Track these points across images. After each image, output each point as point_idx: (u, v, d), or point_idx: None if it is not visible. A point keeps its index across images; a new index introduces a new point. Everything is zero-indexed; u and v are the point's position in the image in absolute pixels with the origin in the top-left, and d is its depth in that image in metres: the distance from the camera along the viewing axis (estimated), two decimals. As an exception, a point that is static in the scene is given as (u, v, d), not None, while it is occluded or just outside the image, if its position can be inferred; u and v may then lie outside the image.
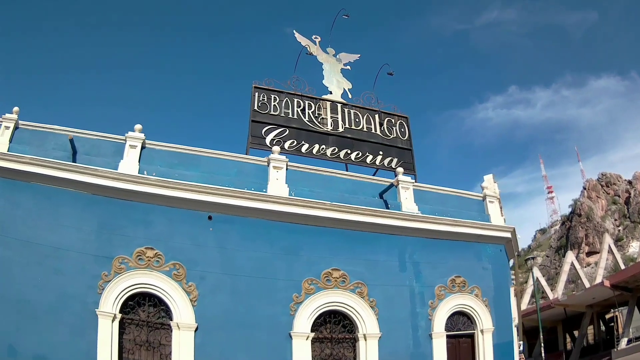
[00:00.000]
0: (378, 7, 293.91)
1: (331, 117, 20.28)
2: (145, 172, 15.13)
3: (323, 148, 19.47)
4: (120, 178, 14.63)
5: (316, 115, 20.02)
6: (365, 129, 20.70)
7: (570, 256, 72.31)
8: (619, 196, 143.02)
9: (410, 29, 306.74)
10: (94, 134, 15.76)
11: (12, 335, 12.81)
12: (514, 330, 19.98)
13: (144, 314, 14.19)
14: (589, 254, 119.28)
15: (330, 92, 21.04)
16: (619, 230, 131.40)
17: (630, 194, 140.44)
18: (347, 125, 20.40)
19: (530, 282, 70.44)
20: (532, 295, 70.13)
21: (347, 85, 21.63)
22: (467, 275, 18.25)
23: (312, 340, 15.27)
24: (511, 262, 26.29)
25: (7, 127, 14.92)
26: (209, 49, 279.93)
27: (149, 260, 14.23)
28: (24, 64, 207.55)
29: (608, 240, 72.82)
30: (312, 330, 15.25)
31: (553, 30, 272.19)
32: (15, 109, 15.20)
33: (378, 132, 20.93)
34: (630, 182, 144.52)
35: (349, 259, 16.35)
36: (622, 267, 65.09)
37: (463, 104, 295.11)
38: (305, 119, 19.71)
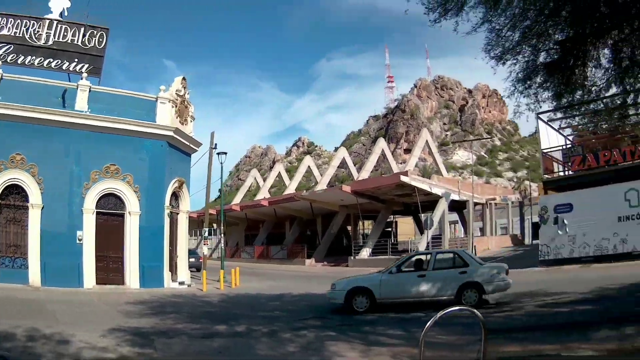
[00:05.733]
0: None
1: (46, 33, 29.40)
2: None
3: (33, 59, 28.90)
4: None
5: (36, 32, 29.26)
6: (69, 41, 29.74)
7: (382, 143, 79.30)
8: (453, 102, 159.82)
9: None
10: None
11: None
12: (166, 217, 29.63)
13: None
14: (406, 150, 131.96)
15: (52, 12, 29.93)
16: (446, 135, 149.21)
17: (467, 102, 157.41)
18: (56, 39, 29.52)
19: (302, 169, 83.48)
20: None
21: (67, 4, 30.39)
22: (121, 164, 28.31)
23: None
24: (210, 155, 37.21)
25: None
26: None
27: None
28: None
29: (426, 136, 77.33)
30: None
31: None
32: None
33: (79, 42, 29.93)
34: (470, 92, 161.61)
35: (27, 146, 26.46)
36: (444, 171, 74.80)
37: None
38: (27, 37, 29.01)
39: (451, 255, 21.28)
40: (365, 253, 51.84)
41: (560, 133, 41.96)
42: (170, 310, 20.34)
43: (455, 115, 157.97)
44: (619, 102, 16.81)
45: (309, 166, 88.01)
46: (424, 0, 14.14)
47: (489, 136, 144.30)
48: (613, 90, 15.72)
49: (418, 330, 8.54)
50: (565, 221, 34.83)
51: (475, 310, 6.81)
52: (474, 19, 14.20)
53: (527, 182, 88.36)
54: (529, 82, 15.20)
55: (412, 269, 20.35)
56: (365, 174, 71.63)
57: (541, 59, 14.89)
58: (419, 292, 19.42)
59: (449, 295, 19.04)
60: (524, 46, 14.56)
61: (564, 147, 41.07)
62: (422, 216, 51.29)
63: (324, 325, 16.71)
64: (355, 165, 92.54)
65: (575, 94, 15.82)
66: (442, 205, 51.03)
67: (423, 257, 21.38)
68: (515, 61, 14.87)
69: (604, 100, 17.10)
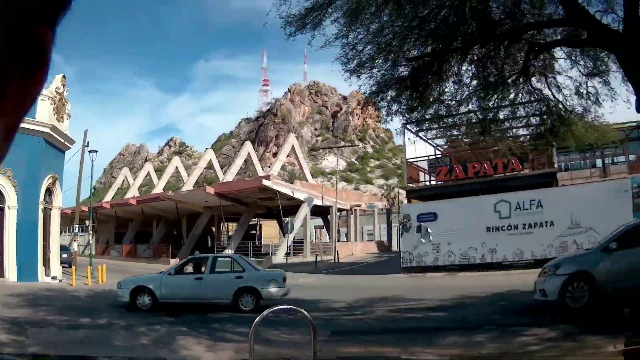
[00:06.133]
0: None
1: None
2: None
3: None
4: None
5: None
6: None
7: (248, 146, 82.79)
8: (327, 107, 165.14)
9: None
10: None
11: None
12: (40, 212, 31.59)
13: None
14: (275, 154, 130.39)
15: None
16: (317, 140, 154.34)
17: (341, 109, 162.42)
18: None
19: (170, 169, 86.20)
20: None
21: None
22: (2, 159, 30.75)
23: None
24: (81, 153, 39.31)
25: None
26: None
27: None
28: None
29: (292, 140, 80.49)
30: None
31: None
32: None
33: None
34: (345, 98, 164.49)
35: None
36: (309, 176, 79.55)
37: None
38: None
39: (228, 260, 23.06)
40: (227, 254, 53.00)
41: (429, 143, 43.78)
42: (43, 303, 21.94)
43: (328, 121, 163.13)
44: (480, 116, 18.07)
45: (177, 167, 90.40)
46: (283, 15, 14.93)
47: (359, 143, 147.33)
48: (473, 105, 17.09)
49: (265, 329, 10.47)
50: (429, 230, 35.30)
51: (303, 311, 8.73)
52: (330, 32, 14.99)
53: (396, 190, 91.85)
54: (381, 95, 16.12)
55: (192, 271, 22.22)
56: (230, 176, 74.40)
57: (397, 73, 15.68)
58: (197, 294, 20.98)
59: (226, 299, 20.42)
60: (379, 61, 15.32)
61: (430, 157, 43.66)
62: (285, 220, 52.66)
63: (177, 322, 18.11)
64: (223, 168, 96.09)
65: (429, 108, 17.08)
66: (305, 210, 53.73)
67: (202, 260, 23.06)
68: (371, 75, 15.67)
69: (465, 115, 18.97)
